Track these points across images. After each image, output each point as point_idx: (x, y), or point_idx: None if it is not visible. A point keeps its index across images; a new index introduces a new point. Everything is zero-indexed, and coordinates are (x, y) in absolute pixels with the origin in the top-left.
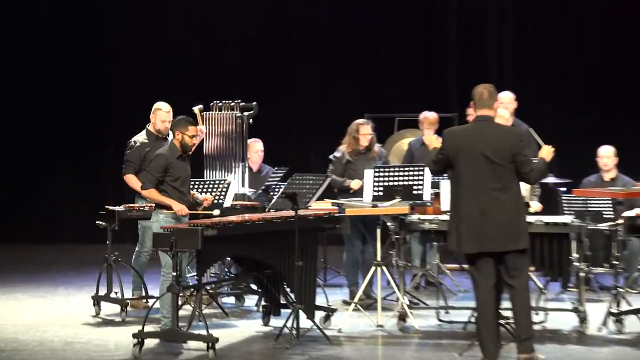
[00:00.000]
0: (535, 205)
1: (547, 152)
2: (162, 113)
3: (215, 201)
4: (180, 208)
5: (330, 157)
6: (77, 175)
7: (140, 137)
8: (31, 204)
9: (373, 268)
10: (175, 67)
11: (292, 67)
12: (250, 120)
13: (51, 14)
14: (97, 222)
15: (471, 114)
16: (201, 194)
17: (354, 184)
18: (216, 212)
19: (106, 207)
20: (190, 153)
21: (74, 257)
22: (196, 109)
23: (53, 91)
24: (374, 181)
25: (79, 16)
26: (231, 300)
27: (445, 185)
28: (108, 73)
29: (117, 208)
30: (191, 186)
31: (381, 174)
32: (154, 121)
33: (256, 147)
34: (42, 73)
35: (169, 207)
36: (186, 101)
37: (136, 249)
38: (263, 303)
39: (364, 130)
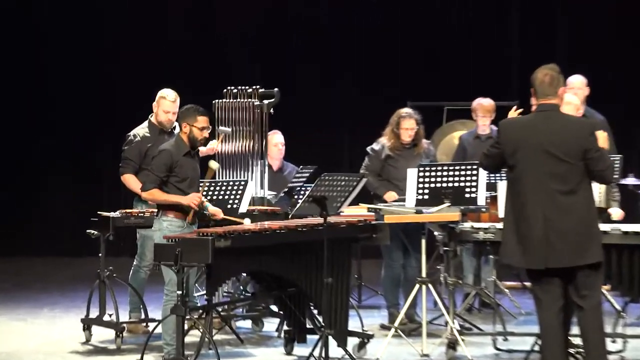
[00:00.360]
0: (617, 212)
1: (603, 138)
2: (166, 102)
3: (230, 206)
4: (190, 200)
5: (368, 149)
6: (77, 176)
7: (141, 130)
8: (31, 204)
9: (417, 286)
10: (175, 67)
11: (292, 67)
12: (271, 110)
13: (51, 13)
14: (87, 231)
15: (535, 103)
16: (212, 198)
17: (388, 196)
18: (247, 221)
19: (99, 213)
20: (199, 149)
21: (63, 272)
22: (215, 141)
23: (53, 91)
24: (419, 182)
25: (79, 16)
26: (247, 324)
27: (503, 187)
28: (108, 73)
29: (111, 214)
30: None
31: (427, 173)
32: (157, 111)
33: (275, 140)
34: (42, 73)
35: (175, 210)
36: (186, 100)
37: (134, 262)
38: (285, 328)
39: (406, 124)
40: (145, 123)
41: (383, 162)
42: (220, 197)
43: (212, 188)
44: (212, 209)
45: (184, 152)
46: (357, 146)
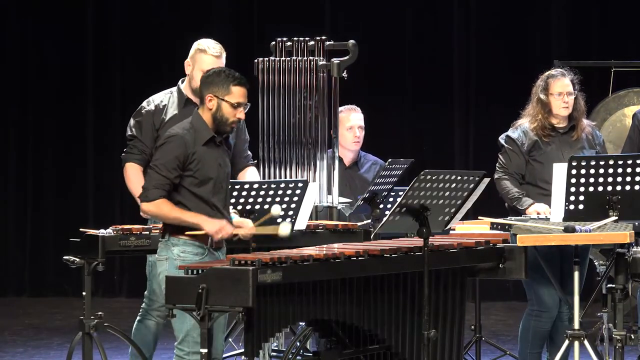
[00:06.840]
0: None
1: None
2: (207, 58)
3: (280, 219)
4: (217, 227)
5: (501, 139)
6: (45, 180)
7: (160, 97)
8: None
9: (566, 342)
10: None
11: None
12: (345, 73)
13: None
14: (65, 257)
15: None
16: (254, 208)
17: (534, 209)
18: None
19: (82, 230)
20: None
21: (29, 319)
22: None
23: None
24: (570, 184)
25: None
26: None
27: None
28: None
29: (101, 232)
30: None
31: (583, 170)
32: (192, 73)
33: (351, 120)
34: None
35: (193, 230)
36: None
37: (142, 305)
38: None
39: (559, 85)
40: (174, 90)
41: (526, 155)
42: (266, 205)
43: (252, 192)
44: (238, 219)
45: (205, 138)
46: (479, 128)
